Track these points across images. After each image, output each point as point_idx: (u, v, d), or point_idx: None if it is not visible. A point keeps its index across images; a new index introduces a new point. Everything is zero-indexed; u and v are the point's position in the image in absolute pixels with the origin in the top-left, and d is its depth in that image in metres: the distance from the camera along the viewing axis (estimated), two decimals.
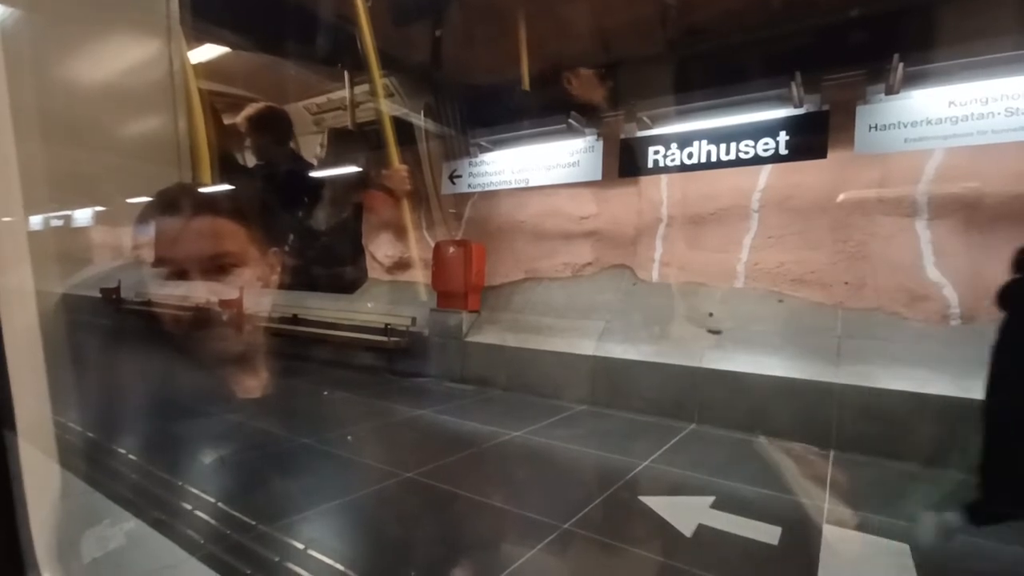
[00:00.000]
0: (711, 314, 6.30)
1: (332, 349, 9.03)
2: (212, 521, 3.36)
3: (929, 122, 5.16)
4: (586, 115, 7.13)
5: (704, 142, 6.23)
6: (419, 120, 8.27)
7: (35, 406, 0.95)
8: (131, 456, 4.46)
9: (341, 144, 10.29)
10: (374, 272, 10.06)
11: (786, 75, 5.59)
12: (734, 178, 6.42)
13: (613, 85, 7.11)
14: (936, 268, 5.33)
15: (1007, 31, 4.73)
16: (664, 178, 6.95)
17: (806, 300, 5.98)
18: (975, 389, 4.59)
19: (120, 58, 2.65)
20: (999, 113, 4.85)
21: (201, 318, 1.14)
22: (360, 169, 9.12)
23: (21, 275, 0.96)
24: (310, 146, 10.70)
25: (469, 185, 8.31)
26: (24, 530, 0.86)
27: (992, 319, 5.02)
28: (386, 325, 8.39)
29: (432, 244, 8.57)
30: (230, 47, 6.87)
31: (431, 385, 7.70)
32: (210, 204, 1.21)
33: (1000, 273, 5.01)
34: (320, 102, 10.08)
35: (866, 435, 4.93)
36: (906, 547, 3.21)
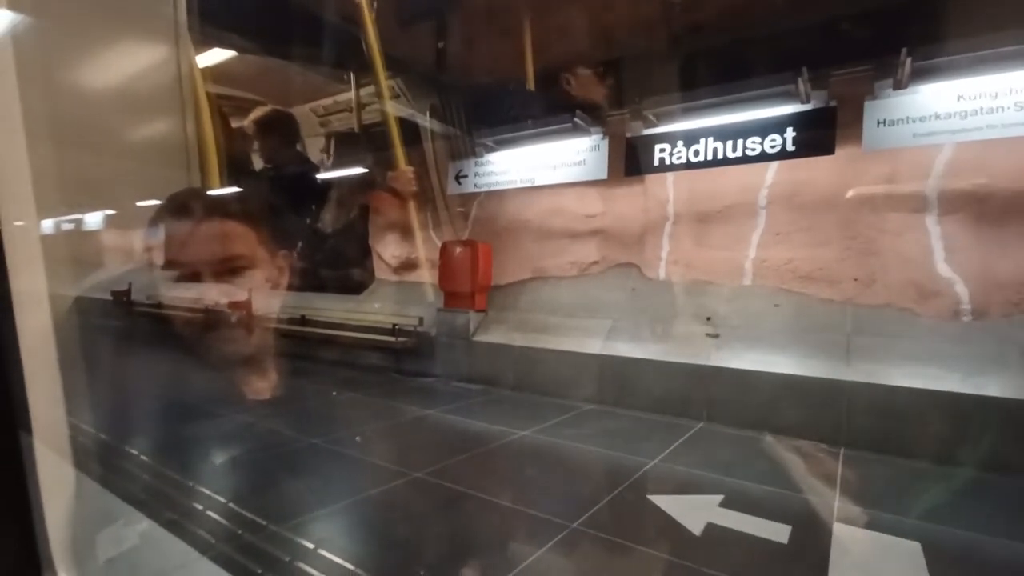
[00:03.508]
0: (709, 318, 6.28)
1: (340, 350, 9.07)
2: (223, 521, 3.39)
3: (938, 117, 5.11)
4: (590, 114, 7.11)
5: (710, 139, 6.20)
6: (425, 121, 8.29)
7: (50, 408, 0.97)
8: (143, 457, 4.51)
9: (344, 148, 10.34)
10: (381, 273, 10.09)
11: (792, 71, 5.54)
12: (741, 175, 6.39)
13: (613, 83, 7.08)
14: (947, 264, 5.28)
15: (1016, 24, 4.68)
16: (670, 176, 6.93)
17: (815, 297, 5.95)
18: (987, 386, 4.56)
19: (129, 63, 2.67)
20: (1009, 107, 4.79)
21: (211, 320, 1.15)
22: (366, 171, 9.16)
23: (35, 279, 0.97)
24: (314, 150, 10.76)
25: (475, 185, 8.31)
26: (40, 530, 0.87)
27: (1004, 314, 4.99)
28: (393, 325, 8.42)
29: (439, 244, 8.58)
30: (237, 51, 6.91)
31: (439, 385, 7.72)
32: (220, 207, 1.22)
33: (1012, 268, 4.97)
34: (326, 104, 10.13)
35: (877, 432, 4.90)
36: (918, 545, 3.18)
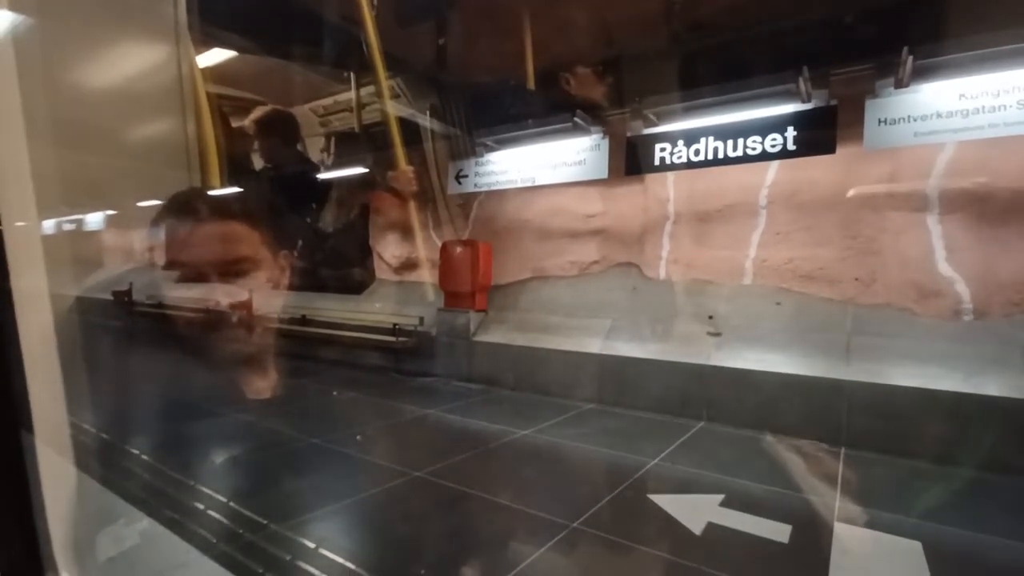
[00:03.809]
0: (711, 316, 6.28)
1: (341, 349, 9.08)
2: (224, 520, 3.39)
3: (939, 115, 5.10)
4: (591, 113, 7.11)
5: (711, 138, 6.19)
6: (425, 121, 8.29)
7: (51, 408, 0.97)
8: (144, 456, 4.51)
9: (344, 148, 10.35)
10: (382, 272, 10.10)
11: (793, 70, 5.54)
12: (741, 174, 6.39)
13: (613, 82, 7.08)
14: (947, 263, 5.28)
15: (1018, 22, 4.67)
16: (671, 175, 6.93)
17: (815, 296, 5.94)
18: (988, 386, 4.56)
19: (129, 63, 2.68)
20: (1011, 105, 4.79)
21: (212, 320, 1.15)
22: (366, 170, 9.16)
23: (36, 279, 0.98)
24: (314, 149, 10.77)
25: (475, 185, 8.31)
26: (42, 530, 0.87)
27: (1005, 314, 4.98)
28: (394, 325, 8.42)
29: (439, 244, 8.59)
30: (237, 51, 6.92)
31: (439, 385, 7.72)
32: (222, 208, 1.22)
33: (1013, 268, 4.97)
34: (327, 104, 10.13)
35: (877, 432, 4.89)
36: (918, 544, 3.18)
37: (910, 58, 4.97)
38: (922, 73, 5.14)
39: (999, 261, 5.06)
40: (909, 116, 5.21)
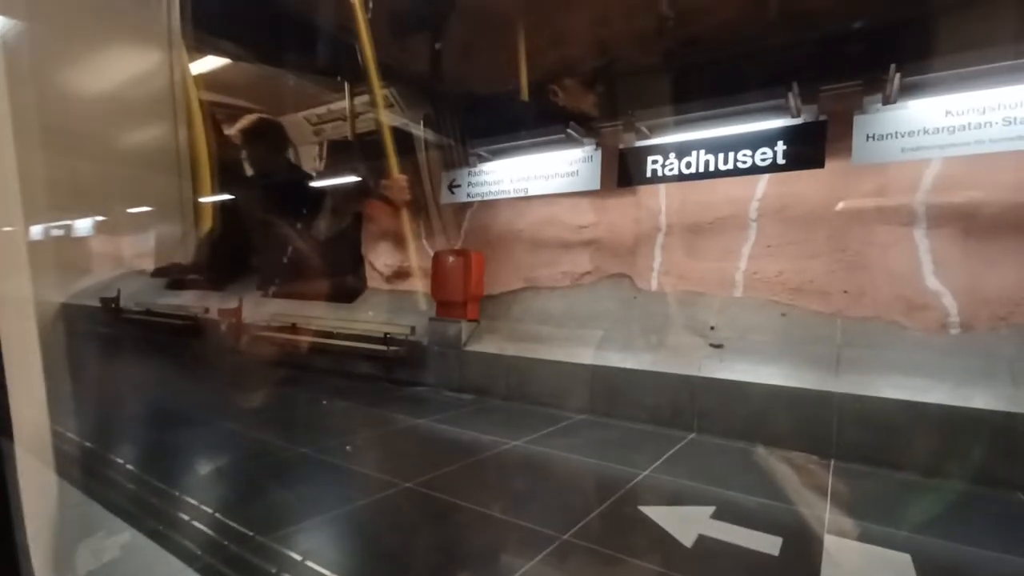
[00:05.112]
0: (713, 327, 6.28)
1: (331, 358, 9.01)
2: (209, 532, 3.34)
3: (926, 132, 5.18)
4: (584, 125, 7.16)
5: (702, 152, 6.26)
6: (418, 130, 8.32)
7: (33, 415, 0.95)
8: (129, 466, 4.44)
9: (338, 156, 10.36)
10: (373, 281, 10.06)
11: (783, 85, 5.63)
12: (732, 187, 6.45)
13: (605, 94, 7.14)
14: (935, 277, 5.34)
15: (1005, 40, 4.76)
16: (662, 187, 6.98)
17: (805, 309, 5.99)
18: (974, 398, 4.60)
19: (121, 69, 2.67)
20: (997, 122, 4.88)
21: (201, 327, 1.14)
22: (359, 179, 9.16)
23: (20, 285, 0.96)
24: (307, 158, 10.77)
25: (468, 195, 8.34)
26: (21, 540, 0.85)
27: (991, 328, 5.04)
28: (385, 334, 8.38)
29: (431, 253, 8.58)
30: (231, 58, 6.92)
31: (430, 394, 7.68)
32: None
33: (998, 282, 5.03)
34: (320, 113, 10.15)
35: (866, 444, 4.92)
36: (908, 557, 3.19)
37: (898, 75, 5.06)
38: (910, 90, 5.23)
39: (985, 275, 5.12)
40: (897, 132, 5.29)
